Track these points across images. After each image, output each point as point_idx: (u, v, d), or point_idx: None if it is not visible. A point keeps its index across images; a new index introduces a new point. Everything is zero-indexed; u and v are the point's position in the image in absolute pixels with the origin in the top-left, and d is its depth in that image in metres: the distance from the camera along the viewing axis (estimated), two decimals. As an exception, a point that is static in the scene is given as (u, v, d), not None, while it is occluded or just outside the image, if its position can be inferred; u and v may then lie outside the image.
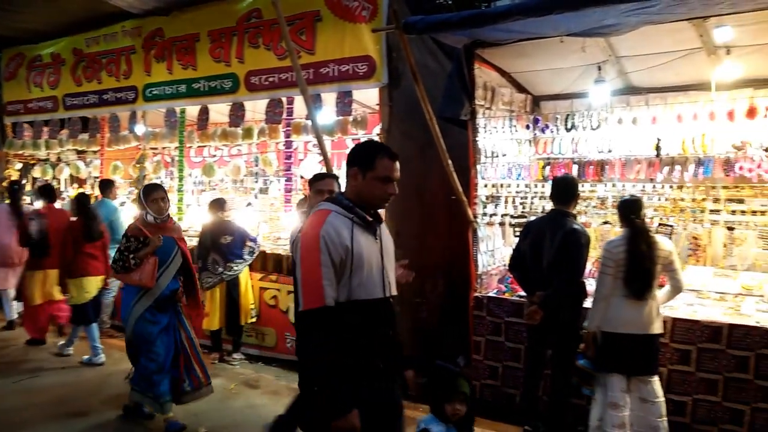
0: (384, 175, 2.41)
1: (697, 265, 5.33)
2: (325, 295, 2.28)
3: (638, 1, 3.72)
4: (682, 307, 4.56)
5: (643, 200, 4.31)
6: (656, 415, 3.85)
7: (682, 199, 5.49)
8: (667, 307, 4.55)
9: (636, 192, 5.64)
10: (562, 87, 6.14)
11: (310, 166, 7.86)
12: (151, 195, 4.45)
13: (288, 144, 6.68)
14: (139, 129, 8.04)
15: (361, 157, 2.46)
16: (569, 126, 5.70)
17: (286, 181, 6.70)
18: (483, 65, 5.48)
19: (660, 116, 5.37)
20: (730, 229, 5.21)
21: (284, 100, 6.45)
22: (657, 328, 3.91)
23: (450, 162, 4.94)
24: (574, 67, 5.59)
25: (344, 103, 5.94)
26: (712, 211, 5.33)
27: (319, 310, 2.28)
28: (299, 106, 6.20)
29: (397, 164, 2.46)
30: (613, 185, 5.77)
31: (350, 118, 6.18)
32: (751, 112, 4.81)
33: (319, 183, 3.71)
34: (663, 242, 4.00)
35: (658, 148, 5.30)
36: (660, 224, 5.45)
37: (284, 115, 6.49)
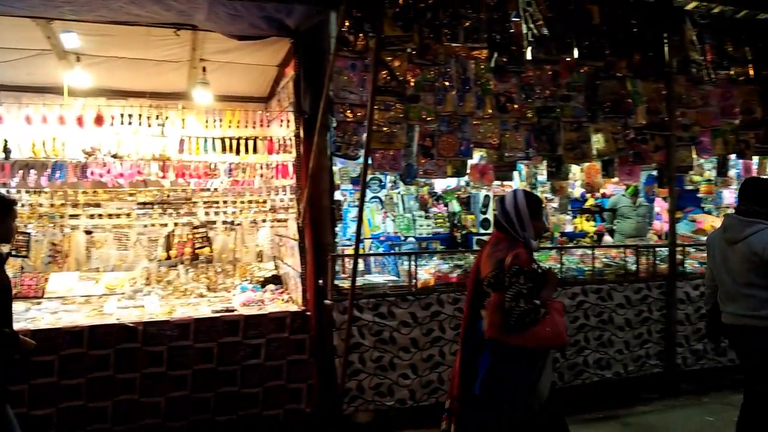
0: None
1: (60, 271, 5.30)
2: None
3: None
4: (46, 317, 4.43)
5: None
6: None
7: (41, 205, 5.31)
8: (29, 319, 4.32)
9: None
10: None
11: None
12: (541, 207, 3.05)
13: None
14: None
15: None
16: None
17: None
18: None
19: (10, 116, 5.03)
20: (89, 233, 5.40)
21: None
22: None
23: None
24: None
25: None
26: (71, 216, 5.36)
27: None
28: None
29: None
30: (-41, 190, 5.01)
31: None
32: (99, 120, 5.09)
33: None
34: None
35: (6, 149, 4.97)
36: (18, 231, 5.10)
37: None
